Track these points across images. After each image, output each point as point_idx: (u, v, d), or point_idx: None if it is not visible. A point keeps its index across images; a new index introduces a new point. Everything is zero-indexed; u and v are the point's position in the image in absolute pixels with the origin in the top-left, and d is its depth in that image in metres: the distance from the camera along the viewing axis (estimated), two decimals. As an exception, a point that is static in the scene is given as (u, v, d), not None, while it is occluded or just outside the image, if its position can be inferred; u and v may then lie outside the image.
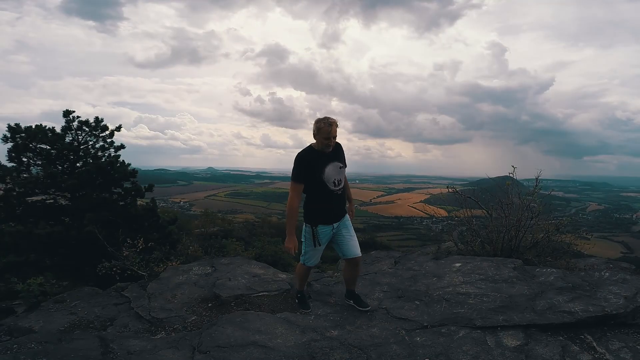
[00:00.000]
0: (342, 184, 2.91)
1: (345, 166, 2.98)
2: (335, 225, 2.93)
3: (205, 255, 5.70)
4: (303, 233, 3.00)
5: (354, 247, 2.95)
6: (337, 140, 2.91)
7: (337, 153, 2.91)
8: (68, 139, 8.37)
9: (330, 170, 2.82)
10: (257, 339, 2.60)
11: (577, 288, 3.02)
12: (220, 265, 4.44)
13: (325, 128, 2.72)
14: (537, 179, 4.57)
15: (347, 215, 3.04)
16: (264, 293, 3.67)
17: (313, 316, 3.05)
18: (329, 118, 2.75)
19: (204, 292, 3.70)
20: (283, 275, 4.20)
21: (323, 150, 2.81)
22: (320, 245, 2.95)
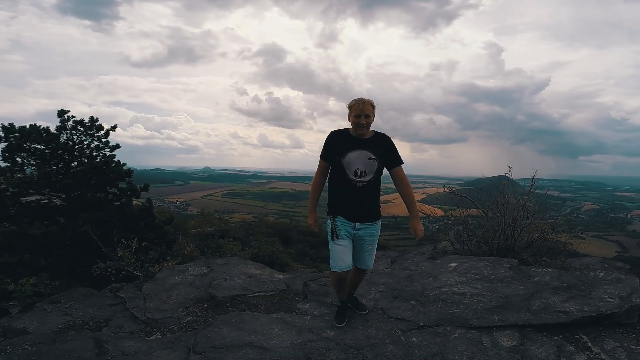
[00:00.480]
0: (368, 179, 2.53)
1: (395, 163, 2.59)
2: (357, 225, 2.60)
3: (202, 255, 5.69)
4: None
5: (369, 259, 2.74)
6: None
7: (374, 144, 2.56)
8: (63, 138, 8.31)
9: (354, 156, 2.51)
10: (253, 339, 2.59)
11: (572, 288, 3.03)
12: (217, 265, 4.43)
13: (355, 105, 2.47)
14: (532, 178, 4.59)
15: (378, 225, 2.68)
16: (260, 293, 3.66)
17: (309, 316, 3.05)
18: (362, 97, 2.51)
19: (200, 292, 3.69)
20: (279, 276, 4.19)
21: (357, 134, 2.54)
22: (339, 238, 2.58)
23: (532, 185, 4.55)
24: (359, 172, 2.52)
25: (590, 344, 2.44)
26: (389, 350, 2.44)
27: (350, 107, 2.51)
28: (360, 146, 2.52)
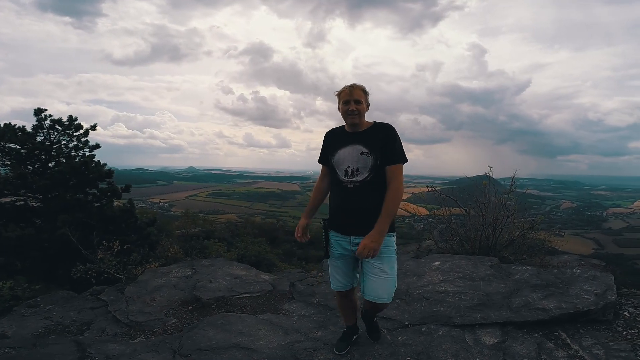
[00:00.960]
0: (362, 178, 2.10)
1: (389, 159, 2.08)
2: (353, 239, 2.14)
3: (186, 257, 5.62)
4: None
5: (379, 287, 2.12)
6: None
7: (370, 136, 2.14)
8: (39, 138, 8.09)
9: (345, 153, 2.15)
10: (240, 341, 2.58)
11: (550, 285, 3.12)
12: (201, 267, 4.39)
13: (344, 91, 2.13)
14: (512, 178, 4.71)
15: (387, 239, 2.11)
16: (246, 295, 3.64)
17: (296, 317, 3.05)
18: (352, 83, 2.17)
19: (184, 294, 3.64)
20: (266, 277, 4.18)
21: (350, 126, 2.18)
22: (330, 257, 2.25)
23: (512, 185, 4.67)
24: (349, 171, 2.13)
25: (569, 340, 2.51)
26: (375, 350, 2.47)
27: (338, 94, 2.18)
28: (352, 140, 2.16)
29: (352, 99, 2.10)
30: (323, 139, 2.35)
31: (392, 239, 2.17)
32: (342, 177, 2.15)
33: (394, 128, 2.15)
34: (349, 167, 2.14)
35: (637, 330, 2.61)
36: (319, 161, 2.37)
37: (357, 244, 2.09)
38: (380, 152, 2.10)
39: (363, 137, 2.14)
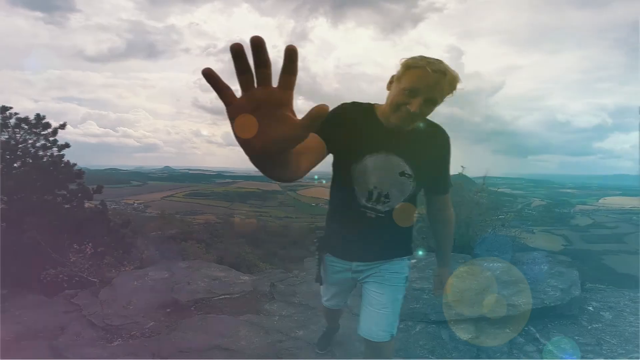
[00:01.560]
0: (390, 208, 1.42)
1: (441, 189, 1.52)
2: (356, 265, 1.57)
3: (163, 259, 5.53)
4: None
5: (375, 323, 1.52)
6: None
7: (417, 147, 1.34)
8: (4, 137, 7.75)
9: (376, 165, 1.34)
10: (220, 342, 2.58)
11: (519, 282, 3.24)
12: (178, 269, 4.33)
13: (420, 71, 1.16)
14: (484, 177, 4.91)
15: (401, 263, 1.57)
16: (226, 296, 3.62)
17: (277, 317, 3.07)
18: (443, 65, 1.17)
19: (162, 297, 3.59)
20: (245, 277, 4.17)
21: (391, 121, 1.28)
22: (324, 284, 1.74)
23: (483, 184, 4.86)
24: (375, 195, 1.39)
25: (538, 335, 2.62)
26: (356, 347, 2.51)
27: (407, 67, 1.19)
28: (389, 146, 1.33)
29: (427, 95, 1.19)
30: (334, 113, 1.31)
31: (406, 263, 1.60)
32: (361, 200, 1.41)
33: (449, 139, 1.41)
34: (375, 188, 1.38)
35: (601, 325, 2.76)
36: (318, 132, 1.17)
37: (360, 270, 1.58)
38: (426, 176, 1.40)
39: (407, 148, 1.33)
